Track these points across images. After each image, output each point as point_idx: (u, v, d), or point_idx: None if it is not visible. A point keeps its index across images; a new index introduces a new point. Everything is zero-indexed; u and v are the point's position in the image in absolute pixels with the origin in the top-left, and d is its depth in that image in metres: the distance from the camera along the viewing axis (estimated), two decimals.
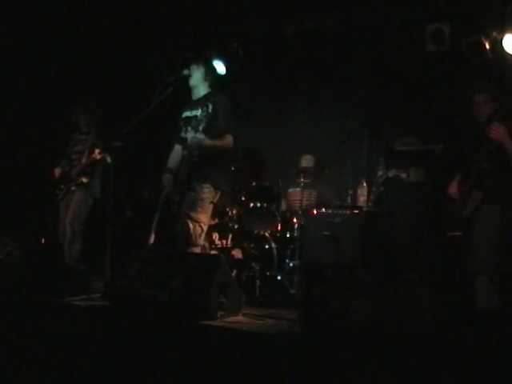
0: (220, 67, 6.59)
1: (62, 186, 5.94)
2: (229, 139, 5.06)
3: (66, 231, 5.79)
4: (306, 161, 6.41)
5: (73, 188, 5.92)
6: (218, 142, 5.01)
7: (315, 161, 6.39)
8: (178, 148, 5.32)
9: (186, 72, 5.20)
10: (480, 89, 4.67)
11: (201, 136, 4.94)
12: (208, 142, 4.94)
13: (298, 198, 6.04)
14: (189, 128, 5.13)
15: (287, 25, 6.66)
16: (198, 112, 5.12)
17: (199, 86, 5.24)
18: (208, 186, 5.01)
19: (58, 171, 6.00)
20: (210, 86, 5.27)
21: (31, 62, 6.53)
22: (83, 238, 5.82)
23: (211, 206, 5.09)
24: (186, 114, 5.25)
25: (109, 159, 5.69)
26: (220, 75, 6.42)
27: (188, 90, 5.32)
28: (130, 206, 6.73)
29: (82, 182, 5.88)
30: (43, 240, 5.90)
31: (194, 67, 5.22)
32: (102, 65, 6.81)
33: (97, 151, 5.76)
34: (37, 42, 6.48)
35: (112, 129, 5.39)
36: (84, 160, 5.91)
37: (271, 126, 6.97)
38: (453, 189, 4.75)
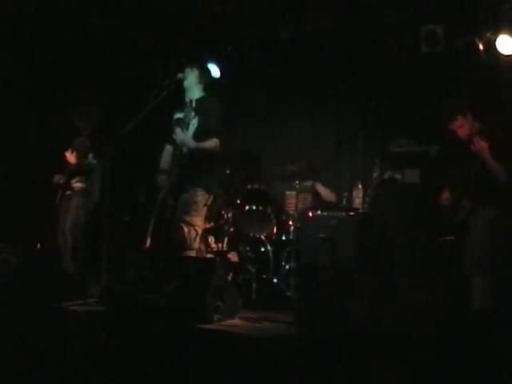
0: (214, 70, 6.60)
1: (59, 192, 5.90)
2: (214, 142, 5.12)
3: (67, 238, 5.76)
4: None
5: (68, 193, 5.88)
6: (204, 145, 5.08)
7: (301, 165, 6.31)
8: (168, 148, 5.38)
9: (180, 75, 5.24)
10: (451, 115, 4.65)
11: (187, 137, 5.04)
12: (193, 143, 5.04)
13: (294, 201, 6.04)
14: (177, 129, 5.18)
15: (283, 27, 6.66)
16: (187, 114, 5.20)
17: (193, 88, 5.27)
18: (201, 189, 5.06)
19: (57, 178, 5.93)
20: (204, 89, 5.31)
21: (30, 65, 6.54)
22: (85, 245, 5.79)
23: (205, 209, 5.11)
24: (178, 115, 5.31)
25: (92, 159, 5.69)
26: (214, 78, 6.43)
27: (183, 93, 5.34)
28: (126, 210, 6.71)
29: (75, 187, 5.86)
30: (39, 245, 5.87)
31: (188, 70, 5.27)
32: (97, 68, 6.81)
33: (68, 154, 5.74)
34: (35, 46, 6.49)
35: (107, 133, 5.39)
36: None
37: (266, 128, 6.96)
38: (445, 195, 4.76)
